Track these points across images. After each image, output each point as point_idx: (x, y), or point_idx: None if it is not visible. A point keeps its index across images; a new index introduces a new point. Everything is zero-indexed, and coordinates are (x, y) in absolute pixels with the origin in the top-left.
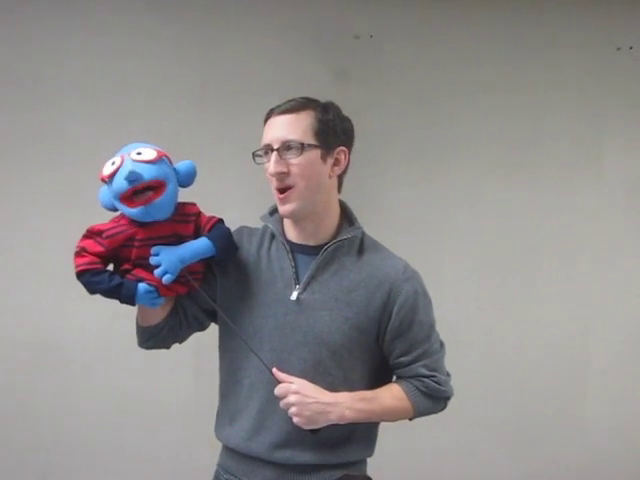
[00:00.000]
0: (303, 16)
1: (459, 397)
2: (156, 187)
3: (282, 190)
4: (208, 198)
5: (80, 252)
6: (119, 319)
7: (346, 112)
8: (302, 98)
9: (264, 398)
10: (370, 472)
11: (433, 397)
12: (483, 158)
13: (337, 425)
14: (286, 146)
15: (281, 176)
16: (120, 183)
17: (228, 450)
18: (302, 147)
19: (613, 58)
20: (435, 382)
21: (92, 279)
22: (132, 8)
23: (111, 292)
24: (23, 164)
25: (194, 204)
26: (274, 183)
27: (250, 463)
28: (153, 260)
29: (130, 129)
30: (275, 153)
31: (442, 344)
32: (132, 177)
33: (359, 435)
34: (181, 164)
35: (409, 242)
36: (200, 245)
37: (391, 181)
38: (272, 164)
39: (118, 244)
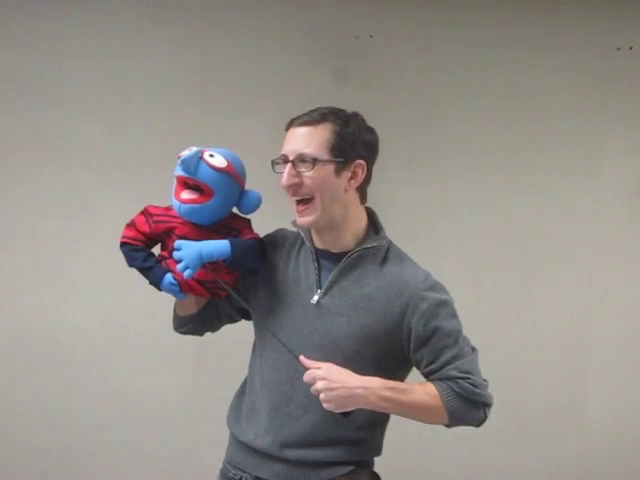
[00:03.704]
0: (303, 16)
1: None
2: (204, 191)
3: (300, 201)
4: None
5: (130, 225)
6: (120, 319)
7: None
8: (325, 109)
9: (276, 398)
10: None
11: (468, 400)
12: (483, 159)
13: (352, 427)
14: (300, 159)
15: (294, 188)
16: (178, 165)
17: (238, 444)
18: (314, 162)
19: (613, 58)
20: (470, 384)
21: (130, 253)
22: (132, 9)
23: (142, 271)
24: (23, 165)
25: (245, 220)
26: (289, 192)
27: (260, 458)
28: (175, 255)
29: (130, 130)
30: (289, 165)
31: (474, 349)
32: (183, 166)
33: (370, 436)
34: (249, 192)
35: (409, 244)
36: (218, 244)
37: (391, 182)
38: (285, 176)
39: (160, 231)
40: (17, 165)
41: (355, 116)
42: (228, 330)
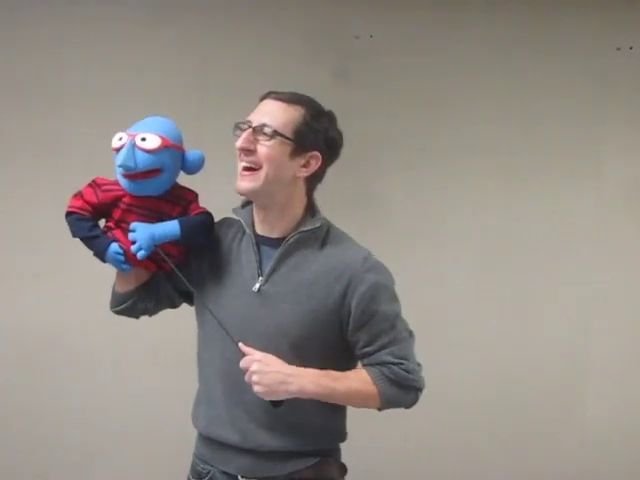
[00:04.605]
0: (303, 16)
1: (459, 396)
2: (150, 172)
3: (246, 168)
4: (207, 199)
5: (77, 195)
6: (120, 319)
7: (346, 113)
8: (304, 95)
9: (231, 388)
10: (371, 474)
11: (401, 385)
12: (483, 159)
13: (310, 412)
14: (262, 128)
15: (246, 153)
16: (117, 164)
17: (203, 438)
18: (274, 134)
19: (613, 58)
20: (403, 369)
21: (76, 222)
22: (132, 11)
23: (87, 241)
24: (24, 165)
25: (193, 192)
26: (240, 157)
27: (224, 452)
28: (130, 236)
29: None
30: (250, 130)
31: (411, 333)
32: (124, 167)
33: (330, 422)
34: (190, 153)
35: (409, 245)
36: (169, 225)
37: (391, 182)
38: (241, 138)
39: (108, 201)
40: (17, 165)
41: (329, 114)
42: None
